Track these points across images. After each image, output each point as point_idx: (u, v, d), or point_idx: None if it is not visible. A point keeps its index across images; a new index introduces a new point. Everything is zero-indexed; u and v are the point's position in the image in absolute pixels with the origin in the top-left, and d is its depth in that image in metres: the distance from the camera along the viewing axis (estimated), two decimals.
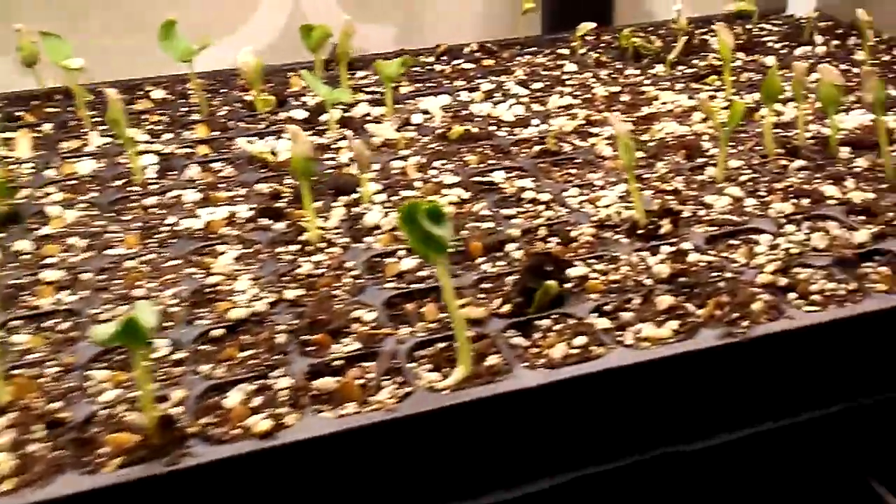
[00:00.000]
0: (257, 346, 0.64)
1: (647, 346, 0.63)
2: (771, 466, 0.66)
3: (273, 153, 0.95)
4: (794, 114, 0.98)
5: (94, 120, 1.06)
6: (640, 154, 0.93)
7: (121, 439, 0.54)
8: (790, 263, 0.71)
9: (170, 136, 1.03)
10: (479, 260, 0.75)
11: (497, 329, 0.65)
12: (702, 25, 1.34)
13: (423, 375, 0.61)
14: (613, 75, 1.19)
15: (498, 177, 0.90)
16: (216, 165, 0.95)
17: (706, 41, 1.30)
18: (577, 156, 0.94)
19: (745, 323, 0.64)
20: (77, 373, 0.62)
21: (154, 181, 0.91)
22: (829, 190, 0.83)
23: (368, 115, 1.07)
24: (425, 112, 1.07)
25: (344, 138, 1.00)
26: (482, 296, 0.70)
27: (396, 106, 1.08)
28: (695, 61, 1.22)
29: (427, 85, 1.18)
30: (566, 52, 1.29)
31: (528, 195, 0.86)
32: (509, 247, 0.77)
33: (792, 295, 0.68)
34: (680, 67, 1.20)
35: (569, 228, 0.79)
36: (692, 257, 0.74)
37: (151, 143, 1.00)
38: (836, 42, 1.27)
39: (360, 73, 1.22)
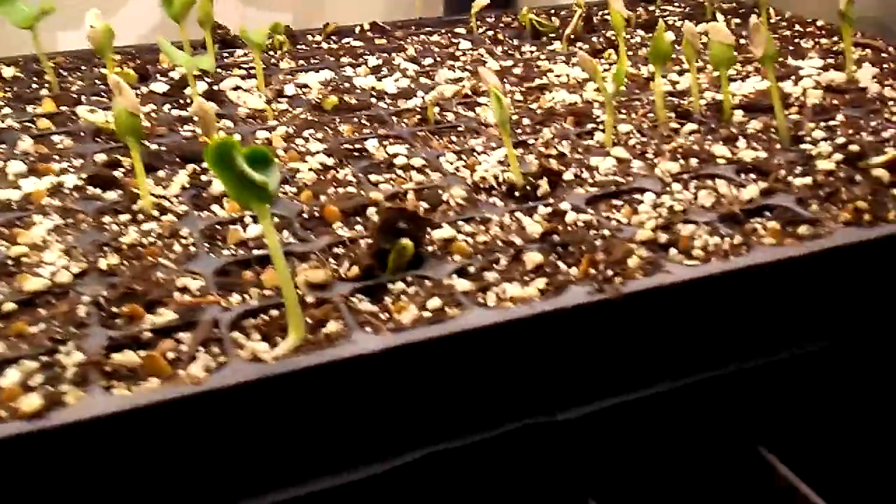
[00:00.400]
0: (54, 319, 0.54)
1: (509, 306, 0.55)
2: (652, 435, 0.58)
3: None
4: (689, 82, 0.93)
5: None
6: (526, 122, 0.87)
7: None
8: (673, 220, 0.65)
9: (8, 111, 0.92)
10: (336, 225, 0.67)
11: (343, 294, 0.57)
12: (604, 7, 1.30)
13: (249, 345, 0.52)
14: (510, 52, 1.14)
15: (370, 145, 0.82)
16: (56, 138, 0.85)
17: (607, 21, 1.26)
18: (460, 124, 0.88)
19: (619, 280, 0.57)
20: None
21: None
22: (720, 150, 0.78)
23: (238, 87, 0.98)
24: (304, 86, 0.99)
25: None
26: (333, 261, 0.62)
27: (274, 80, 1.00)
28: (594, 39, 1.17)
29: (311, 62, 1.10)
30: (463, 31, 1.24)
31: (399, 161, 0.78)
32: (370, 211, 0.69)
33: (672, 251, 0.61)
34: (578, 44, 1.15)
35: (440, 192, 0.72)
36: (570, 217, 0.67)
37: None
38: (737, 20, 1.24)
39: (239, 52, 1.13)
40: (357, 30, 1.24)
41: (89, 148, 0.82)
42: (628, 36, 1.18)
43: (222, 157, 0.50)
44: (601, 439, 0.57)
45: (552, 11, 1.31)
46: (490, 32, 1.22)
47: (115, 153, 0.80)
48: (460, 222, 0.67)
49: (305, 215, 0.68)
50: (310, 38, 1.21)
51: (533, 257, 0.60)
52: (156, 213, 0.68)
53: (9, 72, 1.05)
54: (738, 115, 0.87)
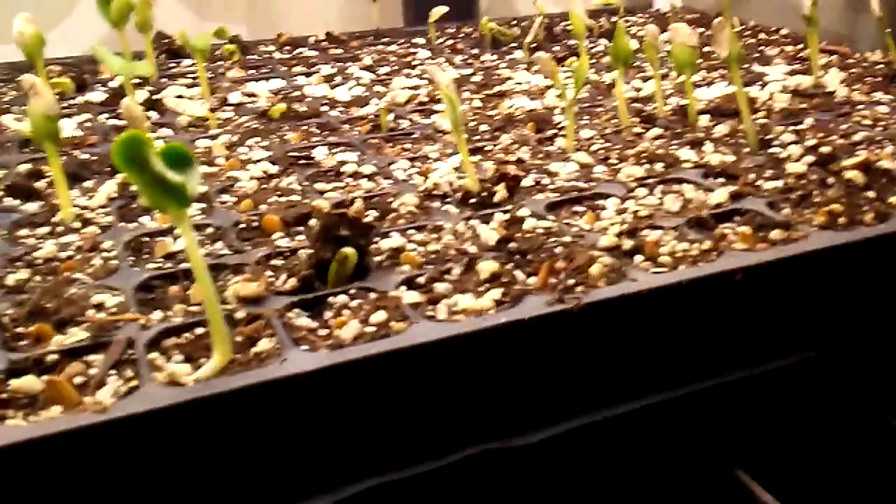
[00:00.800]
0: None
1: (461, 319, 0.50)
2: (619, 460, 0.53)
3: None
4: (653, 88, 0.90)
5: None
6: (485, 128, 0.83)
7: None
8: (637, 226, 0.61)
9: None
10: (276, 235, 0.62)
11: (277, 308, 0.51)
12: (566, 18, 1.27)
13: (168, 367, 0.46)
14: (469, 60, 1.10)
15: (319, 153, 0.77)
16: None
17: (568, 31, 1.23)
18: (415, 131, 0.83)
19: (580, 289, 0.52)
20: None
21: None
22: (686, 154, 0.74)
23: (181, 96, 0.93)
24: (252, 95, 0.94)
25: (148, 119, 0.85)
26: (270, 273, 0.56)
27: (220, 89, 0.95)
28: (556, 48, 1.14)
29: (261, 71, 1.05)
30: (422, 41, 1.20)
31: (348, 168, 0.73)
32: (314, 221, 0.63)
33: (638, 258, 0.57)
34: (539, 53, 1.11)
35: (389, 200, 0.67)
36: (529, 224, 0.62)
37: None
38: (701, 29, 1.22)
39: (186, 62, 1.08)
40: (312, 40, 1.19)
41: (12, 158, 0.76)
42: (591, 45, 1.15)
43: (132, 154, 0.44)
44: (563, 467, 0.52)
45: (513, 22, 1.28)
46: (450, 42, 1.19)
47: (40, 164, 0.74)
48: (411, 231, 0.62)
49: (243, 225, 0.63)
50: (262, 48, 1.17)
51: (487, 266, 0.55)
52: (77, 224, 0.63)
53: None
54: (704, 119, 0.83)
